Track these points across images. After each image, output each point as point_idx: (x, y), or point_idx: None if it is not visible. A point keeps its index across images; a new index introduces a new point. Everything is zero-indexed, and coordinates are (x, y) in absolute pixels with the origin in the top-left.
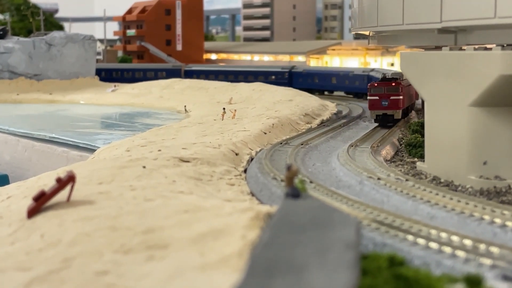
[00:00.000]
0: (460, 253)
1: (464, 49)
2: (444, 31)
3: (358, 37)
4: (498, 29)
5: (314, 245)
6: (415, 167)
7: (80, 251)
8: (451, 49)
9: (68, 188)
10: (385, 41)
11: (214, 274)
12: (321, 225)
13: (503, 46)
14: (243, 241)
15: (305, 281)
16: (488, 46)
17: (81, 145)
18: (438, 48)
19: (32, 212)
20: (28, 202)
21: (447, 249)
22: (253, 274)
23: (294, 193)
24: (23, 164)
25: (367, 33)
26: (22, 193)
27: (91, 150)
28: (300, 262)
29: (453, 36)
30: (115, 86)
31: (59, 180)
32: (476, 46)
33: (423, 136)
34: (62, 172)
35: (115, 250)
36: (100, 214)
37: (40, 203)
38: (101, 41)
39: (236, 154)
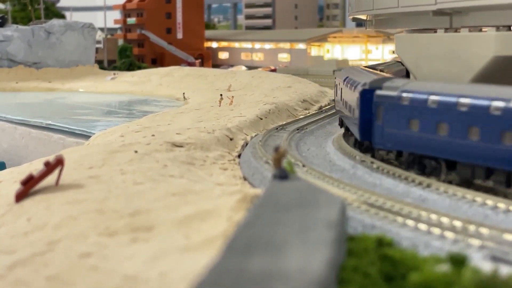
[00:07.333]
0: (449, 234)
1: (459, 31)
2: (439, 13)
3: (360, 24)
4: (493, 10)
5: (296, 224)
6: None
7: (65, 234)
8: (446, 31)
9: (56, 172)
10: (381, 25)
11: (198, 255)
12: (305, 205)
13: (497, 27)
14: (229, 223)
15: (282, 258)
16: (483, 28)
17: (77, 131)
18: (434, 30)
19: (20, 196)
20: (18, 187)
21: (436, 231)
22: (231, 252)
23: (282, 174)
24: (20, 151)
25: (364, 17)
26: (13, 178)
27: (87, 137)
28: (280, 240)
29: (448, 18)
30: (114, 74)
31: (47, 164)
32: (471, 28)
33: None
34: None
35: (100, 232)
36: (88, 198)
37: (28, 187)
38: (102, 30)
39: (231, 139)
